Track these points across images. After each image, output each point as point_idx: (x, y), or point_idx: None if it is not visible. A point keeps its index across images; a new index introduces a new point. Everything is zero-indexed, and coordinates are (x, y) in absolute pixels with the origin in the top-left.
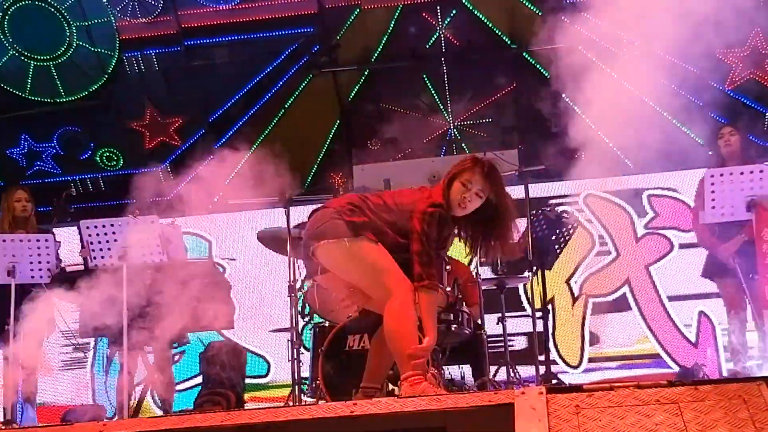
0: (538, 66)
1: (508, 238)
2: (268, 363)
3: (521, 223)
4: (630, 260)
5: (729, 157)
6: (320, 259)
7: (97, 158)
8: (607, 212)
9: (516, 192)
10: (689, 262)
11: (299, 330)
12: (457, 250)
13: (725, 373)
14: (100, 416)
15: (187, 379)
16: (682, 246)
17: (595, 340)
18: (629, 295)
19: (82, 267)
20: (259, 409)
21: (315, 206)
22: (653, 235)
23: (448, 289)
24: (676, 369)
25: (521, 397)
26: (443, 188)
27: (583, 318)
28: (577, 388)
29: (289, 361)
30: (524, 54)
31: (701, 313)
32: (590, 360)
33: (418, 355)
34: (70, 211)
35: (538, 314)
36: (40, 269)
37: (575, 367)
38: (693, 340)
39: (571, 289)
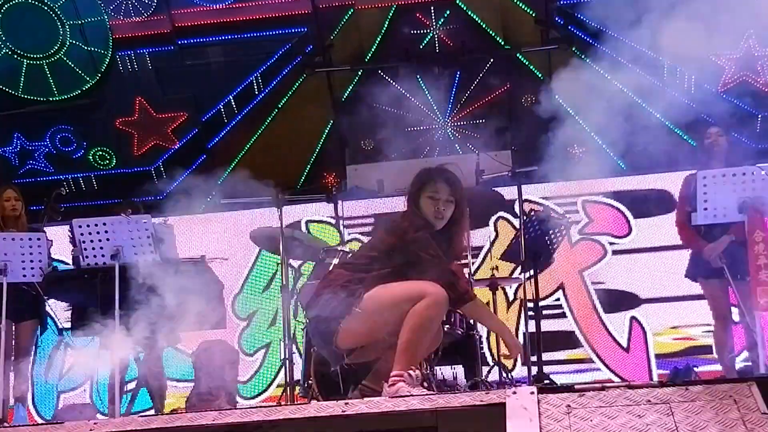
0: (531, 67)
1: (462, 240)
2: None
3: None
4: (564, 265)
5: (716, 158)
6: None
7: (90, 157)
8: None
9: (509, 192)
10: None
11: (292, 330)
12: None
13: (656, 378)
14: (91, 415)
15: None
16: (615, 252)
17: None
18: (563, 300)
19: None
20: (251, 408)
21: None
22: (587, 241)
23: None
24: (609, 374)
25: (513, 397)
26: (412, 210)
27: (518, 322)
28: (568, 388)
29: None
30: (518, 55)
31: (633, 319)
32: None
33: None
34: (60, 210)
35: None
36: (32, 268)
37: (510, 371)
38: (624, 345)
39: (505, 293)
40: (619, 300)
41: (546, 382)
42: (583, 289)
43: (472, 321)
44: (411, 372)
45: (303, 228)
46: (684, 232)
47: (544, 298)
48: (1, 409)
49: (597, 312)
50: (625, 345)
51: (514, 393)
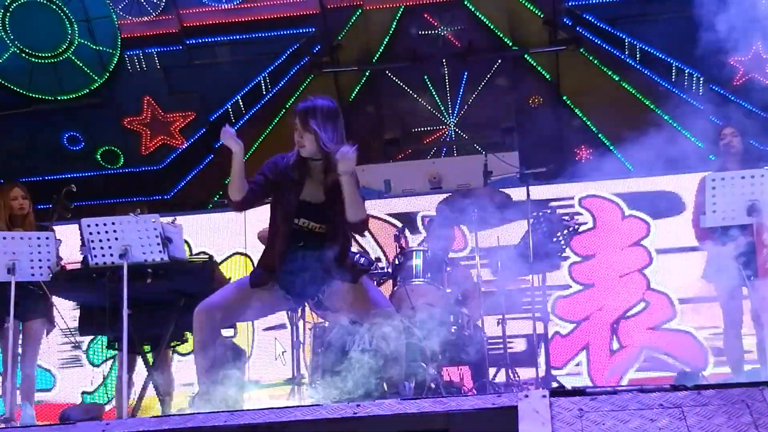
0: (539, 68)
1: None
2: (54, 376)
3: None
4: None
5: (732, 158)
6: None
7: (98, 156)
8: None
9: (517, 193)
10: None
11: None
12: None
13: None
14: (99, 414)
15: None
16: None
17: None
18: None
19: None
20: (263, 409)
21: None
22: None
23: (448, 290)
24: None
25: (525, 400)
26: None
27: None
28: (580, 392)
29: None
30: (525, 55)
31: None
32: None
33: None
34: (70, 208)
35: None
36: (40, 267)
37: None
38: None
39: None
40: None
41: (554, 385)
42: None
43: (479, 323)
44: None
45: None
46: (700, 232)
47: None
48: (9, 407)
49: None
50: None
51: (526, 396)
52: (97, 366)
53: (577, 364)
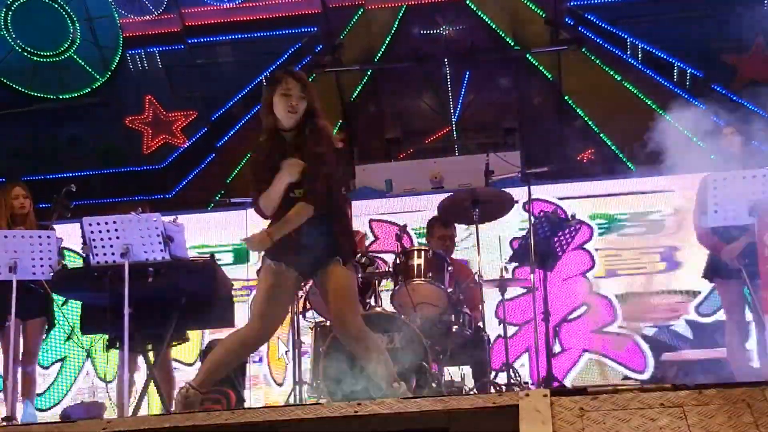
0: (541, 67)
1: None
2: None
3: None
4: None
5: (732, 157)
6: None
7: (99, 155)
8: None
9: (518, 193)
10: None
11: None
12: (461, 251)
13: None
14: (100, 413)
15: None
16: None
17: None
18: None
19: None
20: (264, 408)
21: None
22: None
23: (450, 290)
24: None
25: (526, 399)
26: (265, 115)
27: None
28: (581, 391)
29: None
30: (527, 55)
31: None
32: None
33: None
34: (71, 207)
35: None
36: (42, 266)
37: (280, 385)
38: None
39: None
40: None
41: (555, 384)
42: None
43: (480, 323)
44: None
45: None
46: (703, 233)
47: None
48: (10, 406)
49: None
50: None
51: (527, 395)
52: (47, 368)
53: (522, 365)
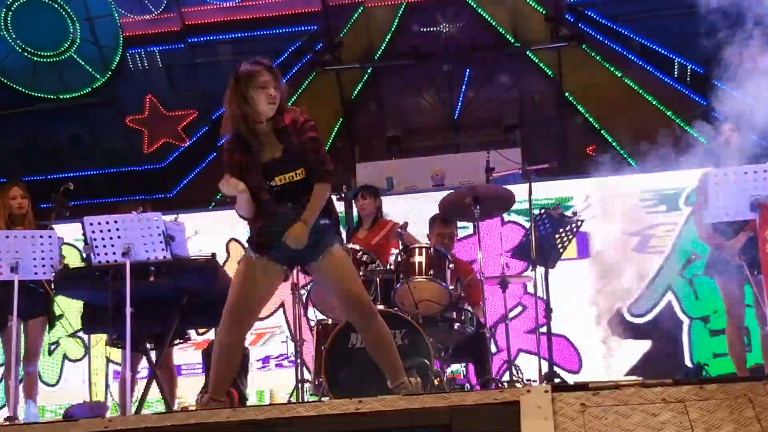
0: (541, 65)
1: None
2: None
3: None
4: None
5: (731, 154)
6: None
7: (100, 155)
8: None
9: (519, 190)
10: None
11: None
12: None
13: None
14: (103, 413)
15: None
16: None
17: None
18: (283, 318)
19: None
20: (266, 405)
21: None
22: None
23: (451, 287)
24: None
25: (527, 395)
26: (238, 108)
27: None
28: (582, 387)
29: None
30: (528, 52)
31: None
32: None
33: None
34: (69, 206)
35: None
36: (43, 266)
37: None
38: None
39: None
40: None
41: (557, 380)
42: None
43: (482, 319)
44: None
45: None
46: (703, 228)
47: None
48: (13, 406)
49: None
50: None
51: (529, 391)
52: None
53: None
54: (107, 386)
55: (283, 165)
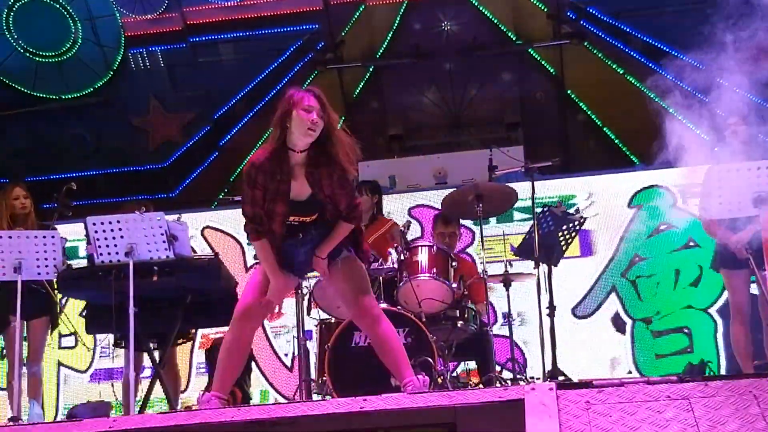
0: (543, 62)
1: (344, 152)
2: None
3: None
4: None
5: (737, 148)
6: None
7: (102, 155)
8: (221, 243)
9: (522, 188)
10: None
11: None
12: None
13: None
14: (107, 412)
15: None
16: None
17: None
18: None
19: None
20: (270, 404)
21: None
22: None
23: (455, 285)
24: (283, 401)
25: (531, 393)
26: (278, 130)
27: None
28: (587, 384)
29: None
30: (529, 50)
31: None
32: None
33: None
34: (72, 206)
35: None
36: (46, 266)
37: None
38: (289, 365)
39: None
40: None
41: (561, 378)
42: None
43: (485, 318)
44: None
45: None
46: (709, 223)
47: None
48: (16, 406)
49: (267, 338)
50: (289, 365)
51: (533, 389)
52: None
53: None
54: (58, 388)
55: (303, 207)
